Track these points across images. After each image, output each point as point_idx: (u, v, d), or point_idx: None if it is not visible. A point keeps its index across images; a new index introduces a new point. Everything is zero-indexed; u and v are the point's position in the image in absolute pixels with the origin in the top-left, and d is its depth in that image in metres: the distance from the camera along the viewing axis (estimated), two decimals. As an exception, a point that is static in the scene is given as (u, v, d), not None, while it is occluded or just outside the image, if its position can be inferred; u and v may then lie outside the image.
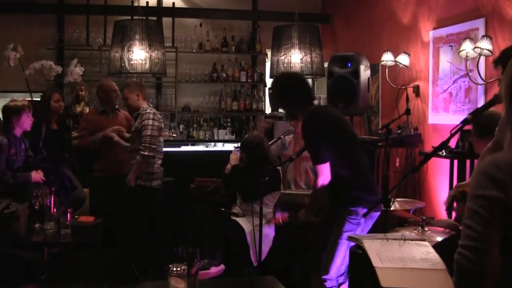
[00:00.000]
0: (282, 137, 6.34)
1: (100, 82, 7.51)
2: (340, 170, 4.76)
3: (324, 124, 4.83)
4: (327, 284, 4.80)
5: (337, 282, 4.80)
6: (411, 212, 5.87)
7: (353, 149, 4.92)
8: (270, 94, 9.70)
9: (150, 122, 6.65)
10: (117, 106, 7.33)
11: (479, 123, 4.34)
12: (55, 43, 9.84)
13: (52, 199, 5.20)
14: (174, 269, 2.88)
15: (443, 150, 4.75)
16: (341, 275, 4.79)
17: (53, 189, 5.35)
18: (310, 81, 10.40)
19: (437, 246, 3.63)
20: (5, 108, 6.28)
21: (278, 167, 6.29)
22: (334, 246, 4.76)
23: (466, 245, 2.23)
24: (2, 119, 6.41)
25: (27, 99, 6.97)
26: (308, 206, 5.11)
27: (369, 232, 4.87)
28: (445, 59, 6.95)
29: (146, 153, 6.61)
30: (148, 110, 6.74)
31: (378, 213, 4.82)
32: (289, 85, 5.06)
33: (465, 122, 3.59)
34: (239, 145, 6.78)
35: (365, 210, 4.62)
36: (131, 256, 6.91)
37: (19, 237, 5.00)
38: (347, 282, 4.84)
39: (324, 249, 4.91)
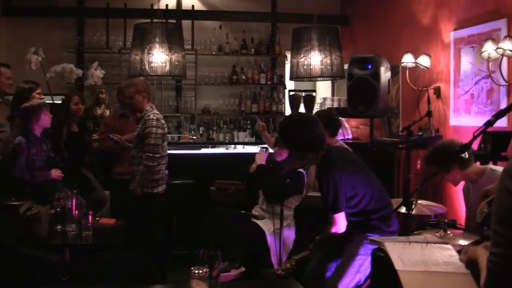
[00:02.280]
0: None
1: (121, 85, 7.50)
2: (360, 206, 4.71)
3: (338, 167, 4.72)
4: None
5: None
6: (432, 217, 5.82)
7: (370, 183, 4.83)
8: (290, 96, 9.71)
9: (154, 130, 6.22)
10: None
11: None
12: (75, 46, 9.89)
13: (74, 201, 5.22)
14: (196, 271, 2.88)
15: (466, 153, 4.70)
16: None
17: (74, 191, 5.36)
18: (330, 82, 10.40)
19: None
20: (23, 109, 6.29)
21: (300, 169, 6.28)
22: (345, 266, 4.70)
23: (496, 252, 2.19)
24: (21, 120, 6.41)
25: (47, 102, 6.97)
26: (317, 244, 5.03)
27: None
28: (467, 60, 6.90)
29: (150, 164, 6.21)
30: (151, 116, 6.29)
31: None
32: (294, 131, 4.85)
33: (488, 124, 3.56)
34: (264, 145, 6.79)
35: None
36: (152, 259, 6.92)
37: (41, 239, 5.03)
38: None
39: (323, 265, 4.90)
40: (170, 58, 7.30)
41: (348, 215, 4.67)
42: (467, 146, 3.98)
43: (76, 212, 5.23)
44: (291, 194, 6.31)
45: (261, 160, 6.63)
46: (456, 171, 4.84)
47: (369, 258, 4.65)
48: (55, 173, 6.29)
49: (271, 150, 6.96)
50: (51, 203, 5.30)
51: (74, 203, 5.25)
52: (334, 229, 4.66)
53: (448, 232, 4.71)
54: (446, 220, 4.96)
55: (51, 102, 7.49)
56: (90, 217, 5.13)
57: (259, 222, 6.33)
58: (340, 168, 4.66)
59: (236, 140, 9.98)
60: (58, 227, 5.26)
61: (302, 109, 9.43)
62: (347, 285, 4.70)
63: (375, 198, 4.71)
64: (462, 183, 5.20)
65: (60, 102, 7.56)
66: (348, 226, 4.80)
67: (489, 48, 6.04)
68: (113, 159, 7.10)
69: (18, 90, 6.85)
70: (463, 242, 4.57)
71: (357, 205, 4.67)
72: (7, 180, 6.07)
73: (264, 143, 8.04)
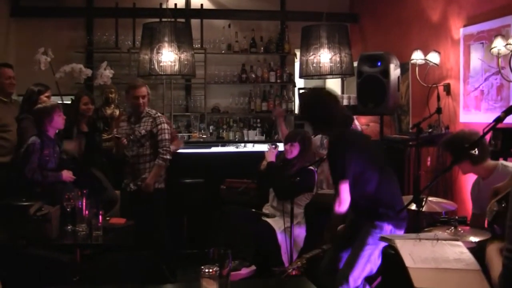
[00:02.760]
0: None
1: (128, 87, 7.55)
2: (367, 189, 4.72)
3: (352, 145, 4.77)
4: None
5: None
6: (443, 214, 5.80)
7: (381, 170, 4.85)
8: (300, 95, 9.68)
9: (166, 126, 6.63)
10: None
11: None
12: (85, 46, 9.90)
13: (84, 201, 5.24)
14: (206, 270, 2.87)
15: (476, 149, 4.69)
16: (358, 287, 4.75)
17: (84, 191, 5.38)
18: (339, 80, 10.39)
19: (473, 249, 3.58)
20: (37, 111, 6.31)
21: (311, 167, 6.28)
22: (355, 257, 4.72)
23: None
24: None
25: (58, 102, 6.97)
26: (328, 229, 5.04)
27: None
28: (476, 57, 6.88)
29: (168, 157, 6.58)
30: (159, 114, 6.71)
31: (402, 231, 4.76)
32: (314, 102, 4.94)
33: (498, 120, 3.55)
34: (273, 143, 6.82)
35: (390, 227, 4.64)
36: (161, 258, 6.93)
37: (51, 239, 5.03)
38: None
39: (336, 261, 4.91)
40: (179, 57, 7.31)
41: (357, 198, 4.71)
42: (476, 143, 3.97)
43: (87, 212, 5.24)
44: (301, 192, 6.31)
45: (271, 157, 6.63)
46: (467, 164, 4.84)
47: (379, 248, 4.67)
48: (66, 174, 6.31)
49: (280, 148, 6.95)
50: (61, 204, 5.31)
51: (84, 203, 5.26)
52: (337, 203, 4.68)
53: (459, 228, 4.70)
54: (457, 217, 4.94)
55: (61, 102, 7.49)
56: (100, 217, 5.14)
57: (269, 220, 6.33)
58: (355, 144, 4.80)
59: (246, 139, 9.97)
60: (69, 227, 5.27)
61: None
62: (358, 276, 4.71)
63: (385, 186, 4.77)
64: (471, 179, 5.19)
65: (69, 102, 7.58)
66: (356, 214, 4.82)
67: (498, 44, 6.02)
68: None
69: (27, 92, 6.87)
70: (473, 239, 4.55)
71: (365, 187, 4.72)
72: (18, 180, 6.09)
73: (272, 141, 8.05)
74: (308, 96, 5.22)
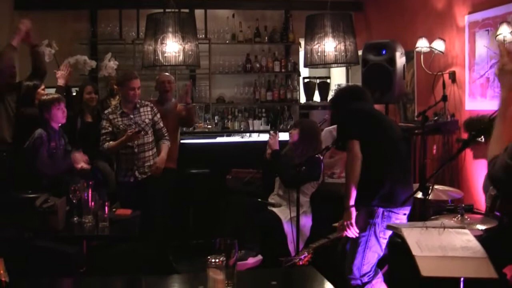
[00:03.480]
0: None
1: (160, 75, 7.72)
2: (373, 163, 4.73)
3: (364, 111, 4.83)
4: (352, 282, 4.81)
5: (361, 282, 4.79)
6: (449, 202, 5.79)
7: (391, 150, 4.87)
8: (305, 84, 9.68)
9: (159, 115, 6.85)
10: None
11: None
12: (89, 38, 9.90)
13: (90, 193, 5.23)
14: (213, 260, 2.87)
15: (482, 137, 4.68)
16: (365, 275, 4.76)
17: (90, 183, 5.38)
18: (344, 69, 10.37)
19: (480, 238, 3.57)
20: (38, 103, 6.34)
21: (317, 155, 6.28)
22: (353, 246, 4.81)
23: None
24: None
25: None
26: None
27: (407, 220, 4.84)
28: (482, 44, 6.85)
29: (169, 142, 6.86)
30: (148, 102, 6.92)
31: (399, 214, 4.77)
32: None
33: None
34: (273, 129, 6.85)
35: (382, 210, 4.69)
36: (167, 249, 6.95)
37: (57, 231, 5.03)
38: (373, 282, 4.81)
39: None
40: (184, 48, 7.28)
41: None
42: (483, 130, 3.96)
43: (93, 203, 5.24)
44: (307, 181, 6.31)
45: (274, 145, 6.62)
46: (482, 147, 4.82)
47: (372, 231, 4.67)
48: (78, 156, 6.33)
49: (282, 136, 6.96)
50: (67, 195, 5.31)
51: (90, 195, 5.26)
52: (350, 159, 4.74)
53: (465, 216, 4.70)
54: (463, 205, 4.94)
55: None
56: (106, 208, 5.14)
57: (275, 210, 6.34)
58: (369, 112, 4.96)
59: (251, 129, 9.97)
60: (75, 219, 5.27)
61: (317, 96, 9.42)
62: (360, 264, 4.74)
63: (391, 168, 4.81)
64: (477, 167, 5.18)
65: (74, 94, 7.58)
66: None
67: (504, 31, 5.99)
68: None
69: (23, 88, 6.88)
70: (480, 226, 4.56)
71: (371, 160, 4.75)
72: (24, 172, 6.10)
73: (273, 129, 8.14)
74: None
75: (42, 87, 6.91)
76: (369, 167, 4.71)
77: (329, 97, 9.25)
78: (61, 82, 7.07)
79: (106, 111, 6.70)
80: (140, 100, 6.75)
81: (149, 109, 6.70)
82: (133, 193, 6.51)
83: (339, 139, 5.07)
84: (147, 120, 6.63)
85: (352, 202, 4.74)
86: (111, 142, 6.48)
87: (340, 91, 5.10)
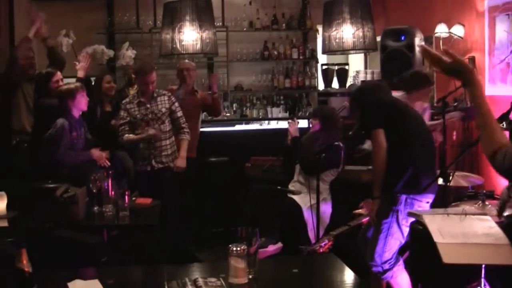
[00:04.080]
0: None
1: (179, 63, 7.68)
2: (397, 153, 4.72)
3: (388, 101, 4.83)
4: (374, 269, 4.81)
5: (382, 269, 4.78)
6: (469, 188, 5.76)
7: (414, 137, 4.86)
8: (323, 70, 9.64)
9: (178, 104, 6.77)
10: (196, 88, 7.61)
11: None
12: (106, 28, 9.90)
13: (110, 182, 5.25)
14: (234, 249, 2.88)
15: (504, 122, 4.64)
16: (386, 262, 4.76)
17: (110, 172, 5.39)
18: (362, 55, 10.33)
19: (502, 224, 3.55)
20: (60, 93, 6.33)
21: (338, 143, 6.28)
22: (375, 233, 4.82)
23: None
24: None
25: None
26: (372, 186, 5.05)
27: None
28: (502, 29, 6.79)
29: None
30: (165, 92, 6.83)
31: (421, 201, 4.76)
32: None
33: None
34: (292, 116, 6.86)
35: (404, 197, 4.68)
36: (189, 237, 6.96)
37: (78, 221, 5.05)
38: (394, 269, 4.81)
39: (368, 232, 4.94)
40: (201, 36, 7.30)
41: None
42: (504, 116, 3.93)
43: (113, 193, 5.25)
44: (327, 168, 6.30)
45: (294, 132, 6.61)
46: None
47: (395, 218, 4.66)
48: (96, 153, 6.36)
49: (301, 123, 6.96)
50: (87, 185, 5.33)
51: (110, 184, 5.27)
52: (375, 149, 4.77)
53: (487, 203, 4.67)
54: (484, 191, 4.90)
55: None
56: (126, 197, 5.15)
57: (295, 197, 6.33)
58: (392, 103, 4.94)
59: (269, 116, 9.95)
60: (95, 208, 5.29)
61: (335, 83, 9.39)
62: (382, 251, 4.74)
63: (414, 155, 4.80)
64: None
65: (92, 84, 7.61)
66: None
67: (524, 16, 5.95)
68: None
69: (36, 77, 6.92)
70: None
71: (395, 149, 4.75)
72: (44, 162, 6.13)
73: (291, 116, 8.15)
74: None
75: (60, 77, 6.92)
76: (393, 154, 4.71)
77: (348, 84, 9.21)
78: (80, 74, 7.08)
79: (123, 101, 6.68)
80: (158, 89, 6.72)
81: (166, 98, 6.66)
82: (150, 182, 6.53)
83: (362, 128, 5.06)
84: (163, 110, 6.59)
85: (377, 192, 4.76)
86: (130, 135, 6.47)
87: (360, 86, 5.12)
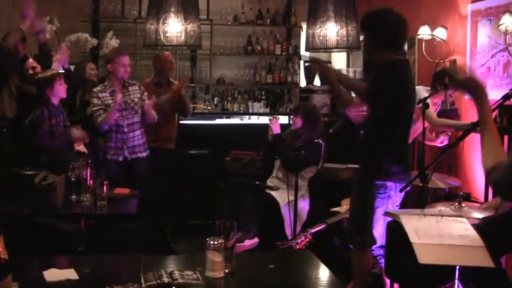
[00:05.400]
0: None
1: (157, 53, 7.71)
2: (388, 131, 4.70)
3: (399, 87, 4.74)
4: (374, 253, 4.82)
5: (378, 252, 4.79)
6: (447, 190, 5.81)
7: (406, 122, 4.85)
8: (306, 68, 9.66)
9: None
10: (171, 79, 7.59)
11: None
12: (90, 15, 9.87)
13: (89, 171, 5.24)
14: (212, 242, 2.89)
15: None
16: (382, 246, 4.76)
17: (89, 161, 5.38)
18: (345, 54, 10.36)
19: (477, 226, 3.59)
20: (37, 81, 6.29)
21: (318, 140, 6.29)
22: (371, 222, 4.74)
23: None
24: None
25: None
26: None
27: (404, 207, 4.84)
28: (484, 33, 6.84)
29: None
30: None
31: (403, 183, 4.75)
32: (386, 16, 4.86)
33: (505, 97, 3.54)
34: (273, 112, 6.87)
35: (392, 184, 4.63)
36: (166, 228, 6.96)
37: (56, 208, 5.04)
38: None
39: (361, 222, 4.89)
40: (186, 28, 7.27)
41: (372, 137, 4.73)
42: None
43: (91, 182, 5.24)
44: (306, 165, 6.32)
45: (276, 129, 6.61)
46: None
47: (387, 202, 4.65)
48: (77, 132, 6.35)
49: (282, 120, 6.96)
50: (66, 173, 5.31)
51: (89, 173, 5.26)
52: (357, 106, 4.72)
53: (463, 204, 4.71)
54: (461, 193, 4.95)
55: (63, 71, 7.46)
56: (105, 187, 5.15)
57: (273, 193, 6.35)
58: (405, 82, 4.75)
59: (250, 111, 9.97)
60: (73, 196, 5.28)
61: (317, 80, 9.41)
62: (381, 237, 4.67)
63: (400, 136, 4.79)
64: (475, 155, 5.18)
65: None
66: (361, 168, 4.82)
67: (506, 21, 5.99)
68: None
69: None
70: (478, 215, 4.57)
71: (388, 127, 4.67)
72: (23, 149, 6.10)
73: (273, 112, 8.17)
74: (382, 9, 5.12)
75: (34, 64, 6.84)
76: (388, 132, 4.68)
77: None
78: (55, 65, 6.91)
79: (94, 89, 6.63)
80: (127, 79, 6.74)
81: (137, 87, 6.72)
82: (123, 172, 6.55)
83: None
84: (136, 99, 6.64)
85: None
86: (103, 114, 6.48)
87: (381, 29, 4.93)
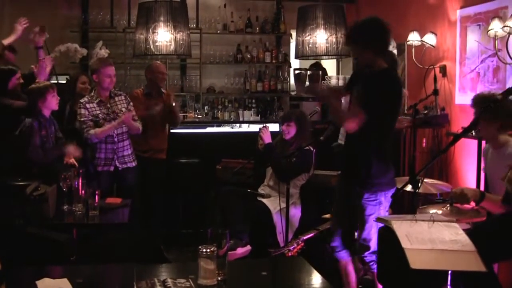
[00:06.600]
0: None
1: (150, 63, 7.68)
2: (377, 142, 4.70)
3: (395, 94, 4.75)
4: (367, 259, 4.82)
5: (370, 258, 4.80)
6: (438, 195, 5.82)
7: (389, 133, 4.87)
8: (296, 75, 9.67)
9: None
10: (163, 90, 7.55)
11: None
12: (80, 26, 9.85)
13: (80, 181, 5.23)
14: (204, 250, 2.89)
15: (473, 131, 4.69)
16: (374, 252, 4.76)
17: (81, 171, 5.37)
18: (335, 61, 10.39)
19: (468, 231, 3.60)
20: (29, 92, 6.26)
21: (309, 147, 6.29)
22: (365, 230, 4.74)
23: None
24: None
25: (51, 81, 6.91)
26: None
27: (396, 213, 4.85)
28: (473, 39, 6.87)
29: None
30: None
31: (394, 188, 4.77)
32: (375, 24, 5.02)
33: (495, 102, 3.56)
34: (264, 124, 6.85)
35: (382, 194, 4.67)
36: (158, 237, 6.95)
37: (48, 218, 5.03)
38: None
39: (349, 234, 4.90)
40: (175, 37, 7.30)
41: (361, 147, 4.71)
42: (473, 125, 3.97)
43: (83, 192, 5.24)
44: (298, 173, 6.33)
45: (267, 139, 6.62)
46: (494, 126, 4.77)
47: (378, 209, 4.66)
48: (72, 149, 6.32)
49: (272, 128, 6.96)
50: (57, 183, 5.30)
51: (80, 183, 5.25)
52: (353, 119, 4.64)
53: (454, 206, 4.72)
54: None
55: (55, 82, 7.44)
56: (97, 196, 5.14)
57: (265, 200, 6.35)
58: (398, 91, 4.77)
59: (241, 119, 9.96)
60: (65, 207, 5.27)
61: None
62: (375, 245, 4.67)
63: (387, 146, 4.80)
64: (466, 161, 5.20)
65: (64, 82, 7.55)
66: (347, 177, 4.83)
67: (495, 26, 6.02)
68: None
69: None
70: (469, 220, 4.59)
71: (377, 137, 4.69)
72: (15, 161, 6.08)
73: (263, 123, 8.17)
74: (369, 19, 5.18)
75: (18, 75, 6.77)
76: (377, 143, 4.70)
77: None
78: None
79: (81, 100, 6.54)
80: (114, 89, 6.72)
81: (123, 97, 6.68)
82: (114, 182, 6.55)
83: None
84: (123, 109, 6.58)
85: None
86: (97, 128, 6.43)
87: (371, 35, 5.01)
